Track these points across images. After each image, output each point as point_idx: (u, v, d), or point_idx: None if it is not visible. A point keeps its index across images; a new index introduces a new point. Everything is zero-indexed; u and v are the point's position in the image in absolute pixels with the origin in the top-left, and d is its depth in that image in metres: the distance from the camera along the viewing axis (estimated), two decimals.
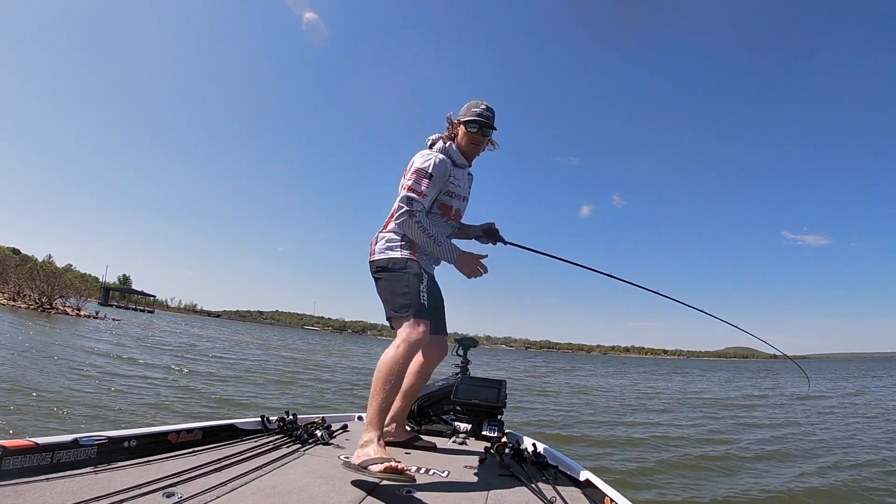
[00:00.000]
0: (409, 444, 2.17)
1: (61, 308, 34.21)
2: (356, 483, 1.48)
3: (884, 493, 4.64)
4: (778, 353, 3.13)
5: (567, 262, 2.48)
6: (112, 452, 1.46)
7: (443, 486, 1.61)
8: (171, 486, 1.29)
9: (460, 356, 2.95)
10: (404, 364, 1.75)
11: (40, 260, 49.82)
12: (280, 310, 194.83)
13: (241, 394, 8.36)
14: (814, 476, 5.11)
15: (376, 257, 1.98)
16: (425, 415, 2.66)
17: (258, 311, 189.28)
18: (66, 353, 11.23)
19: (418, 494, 1.49)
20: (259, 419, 2.06)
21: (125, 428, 1.60)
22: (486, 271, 1.96)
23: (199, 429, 1.80)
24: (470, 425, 2.59)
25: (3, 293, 35.92)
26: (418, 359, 2.17)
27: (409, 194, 1.90)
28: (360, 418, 2.63)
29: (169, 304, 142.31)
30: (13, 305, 32.99)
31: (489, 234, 2.30)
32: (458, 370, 2.92)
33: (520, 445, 2.13)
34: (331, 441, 2.05)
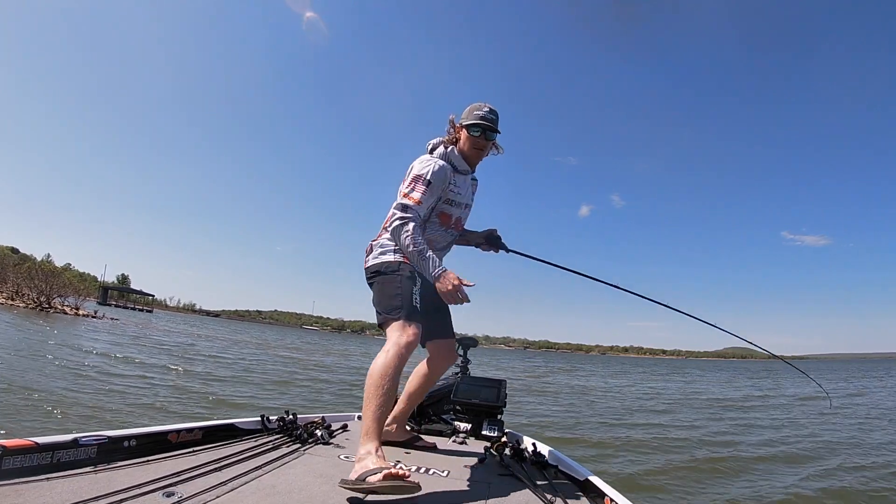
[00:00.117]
0: (410, 444, 2.17)
1: (60, 307, 34.17)
2: None
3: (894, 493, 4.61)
4: (775, 354, 3.11)
5: (568, 270, 2.37)
6: (112, 452, 1.46)
7: (443, 486, 1.60)
8: (170, 485, 1.28)
9: (460, 356, 2.95)
10: (397, 368, 1.64)
11: (39, 259, 49.79)
12: (279, 309, 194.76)
13: (240, 394, 8.34)
14: (819, 478, 5.09)
15: (370, 263, 1.95)
16: (425, 414, 2.65)
17: (257, 311, 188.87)
18: (64, 352, 11.20)
19: (418, 494, 1.49)
20: (259, 419, 2.06)
21: (121, 428, 1.60)
22: (466, 300, 1.76)
23: (199, 428, 1.80)
24: (470, 425, 2.59)
25: (2, 292, 35.85)
26: (424, 365, 2.15)
27: (403, 201, 1.83)
28: (359, 418, 2.63)
29: (168, 303, 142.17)
30: (11, 305, 32.92)
31: (491, 241, 2.22)
32: (458, 370, 2.92)
33: (520, 445, 2.13)
34: (331, 441, 2.05)
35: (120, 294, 78.99)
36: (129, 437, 1.52)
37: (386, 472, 1.35)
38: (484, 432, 2.53)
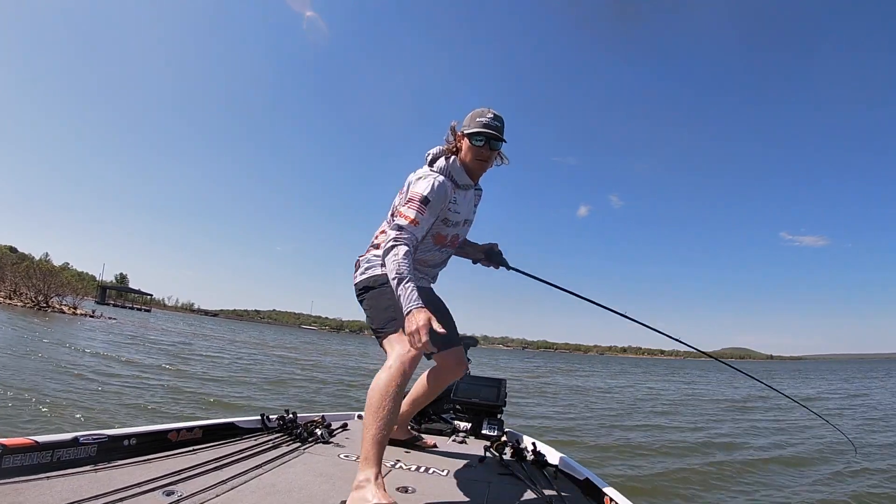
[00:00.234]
0: (410, 443, 2.17)
1: (58, 306, 34.10)
2: None
3: None
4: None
5: (568, 292, 2.22)
6: (112, 451, 1.46)
7: (443, 486, 1.61)
8: (170, 484, 1.29)
9: (469, 360, 2.96)
10: (400, 386, 1.49)
11: (37, 258, 49.77)
12: (277, 309, 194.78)
13: (238, 394, 8.33)
14: (820, 481, 5.09)
15: (358, 280, 1.85)
16: (425, 414, 2.66)
17: (255, 311, 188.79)
18: (60, 352, 11.17)
19: (418, 493, 1.49)
20: (259, 418, 2.06)
21: (119, 428, 1.60)
22: (425, 349, 1.44)
23: (199, 427, 1.80)
24: (470, 424, 2.60)
25: (0, 292, 35.78)
26: (432, 375, 2.09)
27: (400, 221, 1.64)
28: (359, 417, 2.63)
29: (166, 302, 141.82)
30: (9, 304, 32.85)
31: (491, 256, 2.09)
32: None
33: (520, 444, 2.13)
34: (331, 440, 2.05)
35: (118, 293, 79.00)
36: (129, 436, 1.52)
37: None
38: (484, 431, 2.54)
